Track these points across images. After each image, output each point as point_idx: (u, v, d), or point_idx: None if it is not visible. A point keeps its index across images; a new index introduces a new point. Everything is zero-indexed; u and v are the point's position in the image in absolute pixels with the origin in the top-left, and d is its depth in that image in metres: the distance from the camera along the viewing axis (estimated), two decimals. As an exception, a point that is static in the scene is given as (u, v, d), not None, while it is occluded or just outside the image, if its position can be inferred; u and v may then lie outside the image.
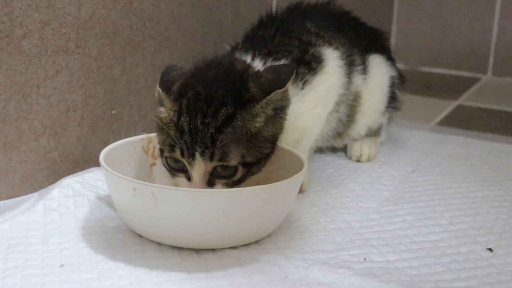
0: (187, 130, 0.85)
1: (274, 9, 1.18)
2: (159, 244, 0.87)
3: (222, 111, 0.85)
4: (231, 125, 0.85)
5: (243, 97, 0.87)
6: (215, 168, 0.86)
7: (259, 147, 0.88)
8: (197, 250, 0.85)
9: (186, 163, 0.86)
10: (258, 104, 0.87)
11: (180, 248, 0.86)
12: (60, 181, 1.00)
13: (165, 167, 0.90)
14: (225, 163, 0.85)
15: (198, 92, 0.87)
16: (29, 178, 1.00)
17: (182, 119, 0.86)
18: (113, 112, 1.11)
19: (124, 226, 0.91)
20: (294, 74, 0.91)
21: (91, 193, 0.99)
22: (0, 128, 0.94)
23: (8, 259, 0.82)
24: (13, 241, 0.86)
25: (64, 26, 1.00)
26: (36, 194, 0.99)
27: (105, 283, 0.78)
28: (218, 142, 0.84)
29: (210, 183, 0.87)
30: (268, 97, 0.88)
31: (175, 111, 0.87)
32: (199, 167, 0.85)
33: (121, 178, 0.84)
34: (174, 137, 0.85)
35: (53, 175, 1.03)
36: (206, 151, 0.84)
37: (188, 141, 0.85)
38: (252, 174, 0.89)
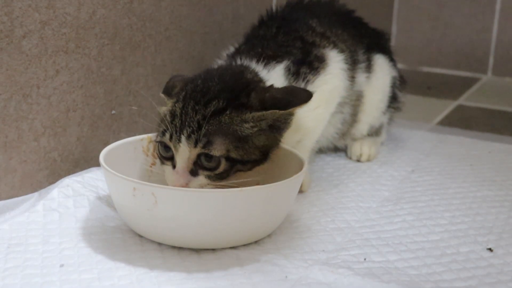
0: (178, 114, 0.87)
1: (272, 7, 1.18)
2: (159, 244, 0.87)
3: (214, 102, 0.87)
4: (218, 118, 0.86)
5: (239, 99, 0.88)
6: (199, 157, 0.86)
7: (246, 150, 0.88)
8: (197, 250, 0.85)
9: (172, 147, 0.87)
10: (250, 113, 0.88)
11: (180, 248, 0.86)
12: (60, 181, 1.00)
13: (157, 155, 0.92)
14: (207, 151, 0.85)
15: (197, 85, 0.90)
16: (29, 178, 1.00)
17: (176, 105, 0.89)
18: (113, 112, 1.11)
19: (124, 226, 0.91)
20: (308, 103, 0.90)
21: (91, 193, 0.99)
22: (0, 128, 0.94)
23: (8, 259, 0.82)
24: (13, 241, 0.86)
25: (64, 26, 1.00)
26: (36, 194, 0.99)
27: (105, 283, 0.78)
28: (203, 129, 0.85)
29: (193, 173, 0.87)
30: (264, 112, 0.88)
31: (174, 101, 0.90)
32: (184, 152, 0.86)
33: (121, 178, 0.84)
34: (166, 121, 0.88)
35: (53, 175, 1.03)
36: (192, 136, 0.85)
37: (177, 124, 0.87)
38: (237, 171, 0.89)
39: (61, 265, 0.81)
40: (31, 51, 0.96)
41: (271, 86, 0.93)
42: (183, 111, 0.87)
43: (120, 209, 0.89)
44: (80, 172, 1.04)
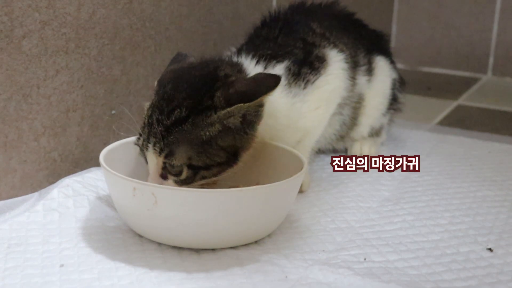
0: (146, 123, 0.89)
1: (274, 9, 1.18)
2: (159, 244, 0.87)
3: (176, 112, 0.87)
4: (180, 127, 0.87)
5: (202, 104, 0.88)
6: (164, 164, 0.88)
7: (210, 154, 0.88)
8: (197, 250, 0.85)
9: (144, 151, 0.89)
10: (215, 113, 0.87)
11: (180, 248, 0.86)
12: (60, 181, 1.00)
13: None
14: (169, 161, 0.87)
15: (165, 91, 0.90)
16: (29, 178, 1.00)
17: (146, 112, 0.91)
18: (113, 112, 1.11)
19: (124, 226, 0.91)
20: (274, 90, 0.89)
21: (91, 193, 0.99)
22: (0, 128, 0.94)
23: (8, 259, 0.82)
24: (13, 241, 0.86)
25: (64, 26, 1.00)
26: (36, 194, 0.99)
27: (105, 283, 0.78)
28: (164, 140, 0.86)
29: (163, 176, 0.89)
30: (228, 109, 0.88)
31: (147, 107, 0.92)
32: (151, 159, 0.89)
33: (121, 178, 0.84)
34: (140, 127, 0.90)
35: (53, 175, 1.03)
36: (156, 145, 0.87)
37: (146, 133, 0.89)
38: (204, 177, 0.89)
39: (61, 265, 0.81)
40: (31, 51, 0.96)
41: (237, 79, 0.91)
42: (150, 120, 0.89)
43: (120, 209, 0.89)
44: (80, 172, 1.04)
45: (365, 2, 1.89)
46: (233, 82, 0.90)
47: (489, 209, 1.03)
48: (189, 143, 0.87)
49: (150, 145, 0.88)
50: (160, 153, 0.87)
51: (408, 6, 2.08)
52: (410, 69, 2.05)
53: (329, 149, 1.24)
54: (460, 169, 1.20)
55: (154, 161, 0.88)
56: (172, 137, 0.87)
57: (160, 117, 0.88)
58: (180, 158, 0.87)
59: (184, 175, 0.88)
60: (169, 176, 0.89)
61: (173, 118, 0.87)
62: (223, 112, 0.87)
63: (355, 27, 1.23)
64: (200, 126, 0.87)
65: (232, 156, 0.90)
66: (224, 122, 0.88)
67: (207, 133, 0.87)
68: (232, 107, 0.87)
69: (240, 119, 0.89)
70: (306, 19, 1.13)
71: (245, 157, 0.91)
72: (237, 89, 0.89)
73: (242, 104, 0.88)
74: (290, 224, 0.95)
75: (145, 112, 0.91)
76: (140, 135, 0.90)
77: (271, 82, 0.89)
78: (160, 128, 0.87)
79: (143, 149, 0.90)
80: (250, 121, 0.90)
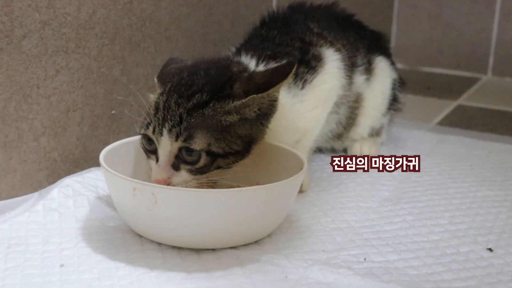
0: (161, 107, 0.88)
1: (274, 9, 1.18)
2: (159, 244, 0.87)
3: (197, 95, 0.88)
4: (201, 111, 0.87)
5: (223, 91, 0.89)
6: (180, 151, 0.86)
7: (228, 141, 0.88)
8: (197, 250, 0.85)
9: (155, 140, 0.87)
10: (233, 102, 0.88)
11: (180, 248, 0.86)
12: (60, 181, 1.00)
13: (142, 149, 0.92)
14: (188, 145, 0.85)
15: (182, 78, 0.90)
16: (29, 178, 1.00)
17: (160, 98, 0.89)
18: (113, 112, 1.11)
19: (124, 226, 0.91)
20: (288, 77, 0.90)
21: (91, 193, 0.99)
22: (0, 128, 0.94)
23: (8, 259, 0.82)
24: (13, 241, 0.86)
25: (64, 26, 1.00)
26: (36, 194, 0.99)
27: (105, 283, 0.78)
28: (184, 122, 0.85)
29: (175, 167, 0.87)
30: (243, 100, 0.88)
31: (159, 93, 0.90)
32: (165, 146, 0.86)
33: (121, 178, 0.84)
34: (150, 114, 0.89)
35: (53, 175, 1.03)
36: (173, 129, 0.86)
37: (160, 117, 0.87)
38: (218, 167, 0.89)
39: (61, 265, 0.81)
40: (31, 51, 0.96)
41: (253, 72, 0.93)
42: (166, 104, 0.87)
43: (120, 209, 0.89)
44: (80, 172, 1.04)
45: (365, 2, 1.89)
46: (251, 75, 0.92)
47: (489, 209, 1.03)
48: (209, 128, 0.86)
49: (165, 130, 0.86)
50: (177, 137, 0.85)
51: (408, 6, 2.08)
52: (410, 69, 2.05)
53: (327, 148, 1.24)
54: (460, 169, 1.20)
55: (167, 148, 0.86)
56: (192, 120, 0.86)
57: (179, 100, 0.87)
58: (200, 143, 0.86)
59: (201, 162, 0.87)
60: (181, 166, 0.87)
61: (194, 101, 0.87)
62: (239, 103, 0.88)
63: (355, 28, 1.23)
64: (220, 113, 0.87)
65: (247, 146, 0.90)
66: (241, 112, 0.89)
67: (226, 120, 0.88)
68: (246, 99, 0.88)
69: (258, 112, 0.90)
70: (305, 19, 1.13)
71: (255, 150, 0.92)
72: (255, 81, 0.90)
73: (254, 96, 0.89)
74: (290, 224, 0.95)
75: (156, 99, 0.90)
76: (149, 123, 0.88)
77: (284, 71, 0.90)
78: (180, 111, 0.86)
79: (153, 136, 0.87)
80: (265, 114, 0.91)
